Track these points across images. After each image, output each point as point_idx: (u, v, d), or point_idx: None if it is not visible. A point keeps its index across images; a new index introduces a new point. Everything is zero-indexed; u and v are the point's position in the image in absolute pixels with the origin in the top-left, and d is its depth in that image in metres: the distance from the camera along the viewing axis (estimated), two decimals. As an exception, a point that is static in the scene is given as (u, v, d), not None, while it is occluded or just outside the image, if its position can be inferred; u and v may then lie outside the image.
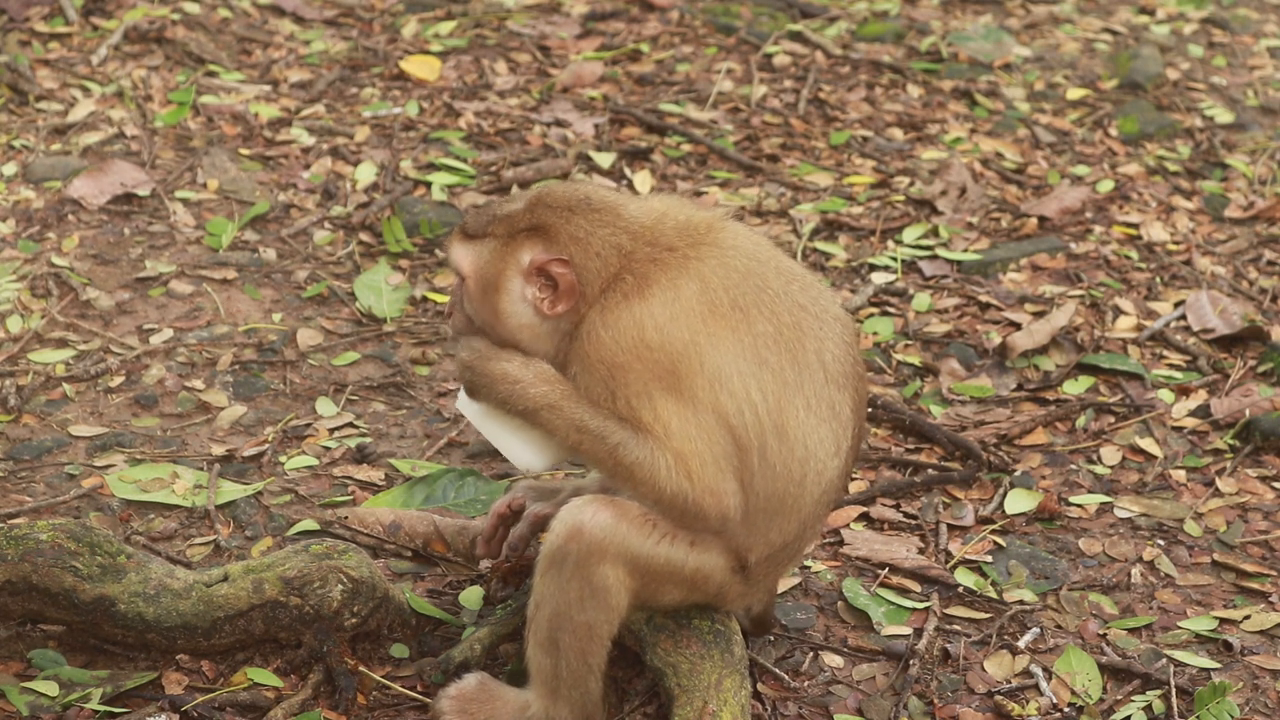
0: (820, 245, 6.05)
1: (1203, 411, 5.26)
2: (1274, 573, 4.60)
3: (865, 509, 4.76)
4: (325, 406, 5.08)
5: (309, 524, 4.53)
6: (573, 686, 3.74)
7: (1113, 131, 6.96)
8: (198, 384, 5.15)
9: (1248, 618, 4.41)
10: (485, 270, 3.78)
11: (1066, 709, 4.09)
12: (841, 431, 3.77)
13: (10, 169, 6.20)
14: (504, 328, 3.78)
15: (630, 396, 3.64)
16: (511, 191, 6.21)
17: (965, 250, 6.04)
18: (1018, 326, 5.61)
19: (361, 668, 4.02)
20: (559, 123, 6.76)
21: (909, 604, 4.40)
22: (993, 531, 4.70)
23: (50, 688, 3.90)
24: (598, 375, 3.67)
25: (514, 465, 3.97)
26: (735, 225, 3.84)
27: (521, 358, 3.75)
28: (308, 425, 4.99)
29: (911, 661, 4.19)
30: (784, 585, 4.41)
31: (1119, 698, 4.14)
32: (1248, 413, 5.18)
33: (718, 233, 3.78)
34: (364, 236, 5.96)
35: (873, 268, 5.94)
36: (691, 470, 3.64)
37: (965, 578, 4.50)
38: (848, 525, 4.69)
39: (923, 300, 5.75)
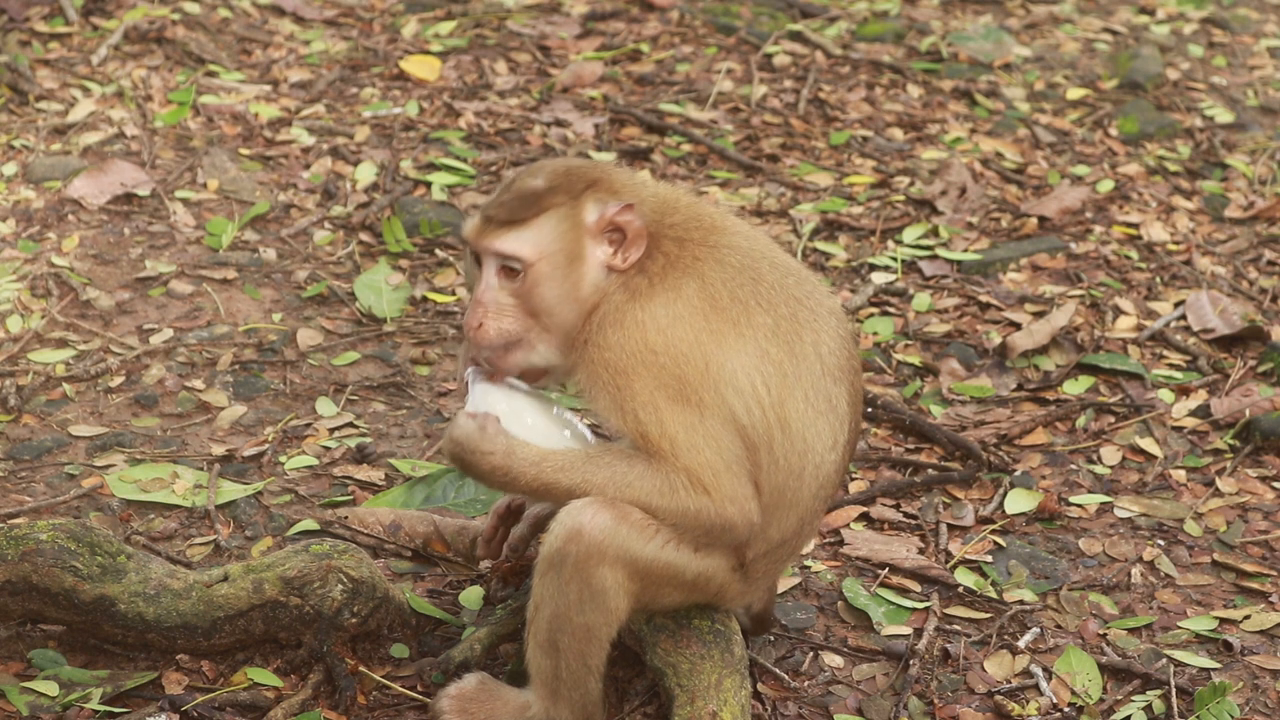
0: (820, 245, 6.05)
1: (1203, 411, 5.26)
2: (1274, 573, 4.60)
3: (865, 509, 4.76)
4: (325, 406, 5.08)
5: (309, 524, 4.53)
6: (573, 688, 3.73)
7: (1113, 131, 6.96)
8: (198, 384, 5.15)
9: (1248, 618, 4.41)
10: (560, 244, 3.66)
11: (1066, 709, 4.09)
12: (838, 425, 3.77)
13: (10, 169, 6.20)
14: (575, 300, 3.68)
15: (637, 409, 3.61)
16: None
17: (965, 250, 6.04)
18: (1018, 326, 5.61)
19: (361, 668, 4.02)
20: (559, 123, 6.76)
21: (909, 604, 4.40)
22: (993, 531, 4.70)
23: (50, 688, 3.90)
24: (602, 384, 3.64)
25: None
26: (733, 221, 3.84)
27: (505, 445, 3.65)
28: (308, 425, 4.99)
29: (911, 661, 4.19)
30: (784, 585, 4.41)
31: (1119, 698, 4.14)
32: (1248, 413, 5.18)
33: (719, 234, 3.77)
34: (364, 236, 5.96)
35: (873, 268, 5.94)
36: (706, 483, 3.63)
37: (965, 578, 4.50)
38: (848, 525, 4.69)
39: (923, 300, 5.75)
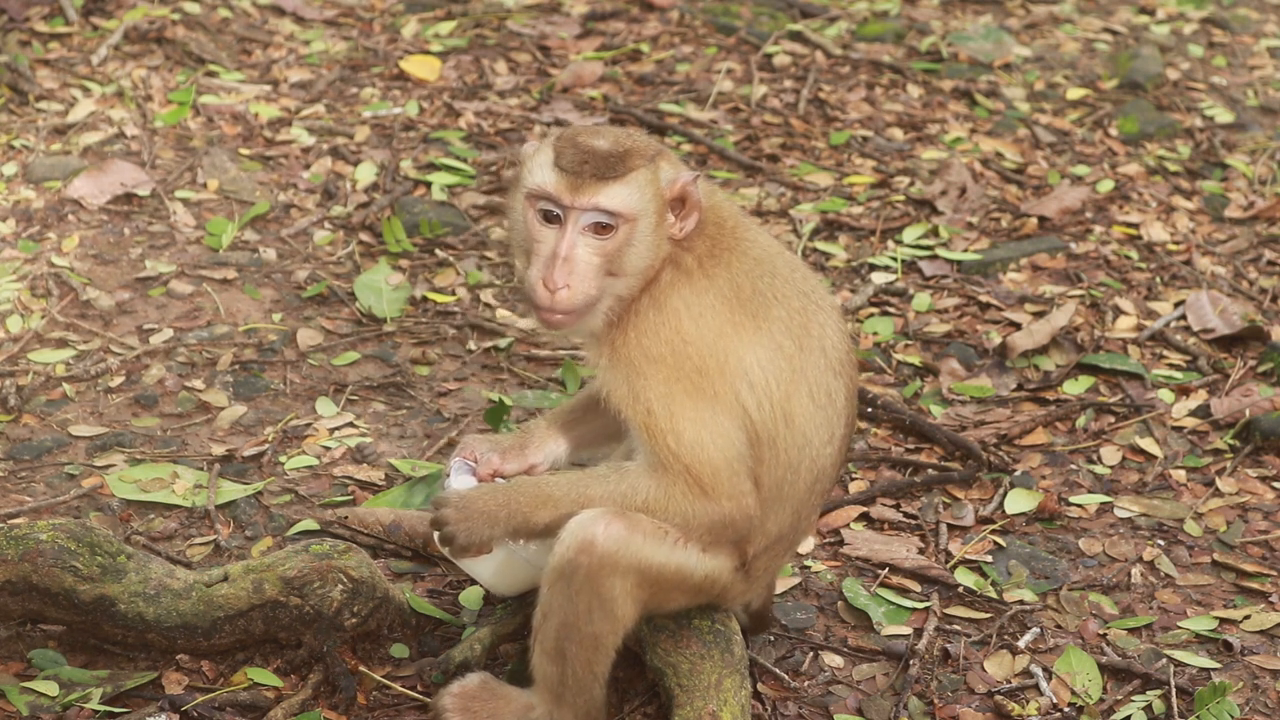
0: (820, 245, 6.05)
1: (1203, 411, 5.26)
2: (1274, 573, 4.60)
3: (865, 509, 4.76)
4: (325, 406, 5.08)
5: (309, 524, 4.53)
6: (578, 694, 3.73)
7: (1113, 131, 6.96)
8: (198, 384, 5.15)
9: (1248, 618, 4.41)
10: (652, 203, 3.63)
11: (1066, 709, 4.09)
12: (836, 419, 3.78)
13: (10, 169, 6.20)
14: (648, 264, 3.64)
15: (652, 399, 3.61)
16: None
17: (965, 250, 6.04)
18: (1018, 326, 5.61)
19: (361, 668, 4.02)
20: (559, 123, 6.76)
21: (909, 604, 4.40)
22: (993, 531, 4.70)
23: (50, 688, 3.90)
24: (626, 367, 3.63)
25: (491, 591, 4.08)
26: (748, 218, 3.87)
27: (489, 488, 3.70)
28: (308, 425, 4.99)
29: (911, 661, 4.19)
30: (784, 585, 4.41)
31: (1119, 698, 4.14)
32: (1248, 413, 5.18)
33: (742, 228, 3.80)
34: (364, 236, 5.96)
35: (873, 268, 5.94)
36: (705, 483, 3.63)
37: (965, 578, 4.50)
38: (848, 525, 4.69)
39: (923, 300, 5.75)
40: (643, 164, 3.63)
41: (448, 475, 3.92)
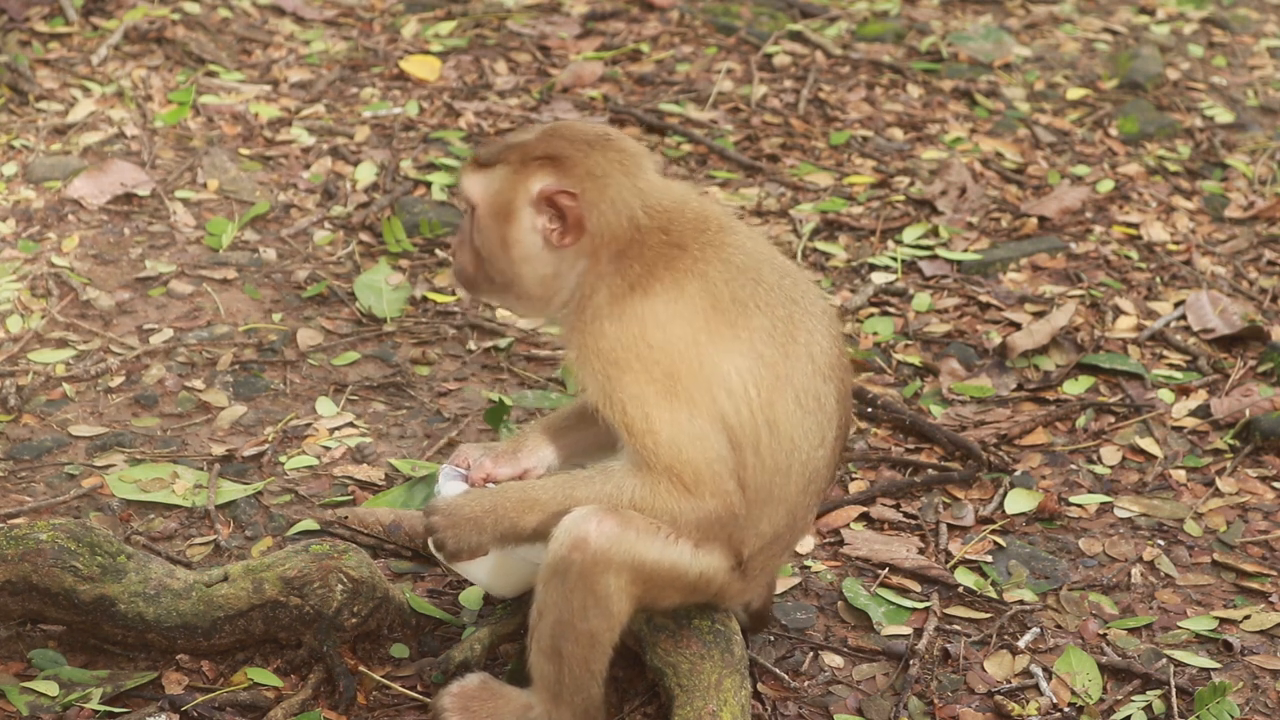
0: (820, 245, 6.05)
1: (1203, 411, 5.26)
2: (1274, 573, 4.60)
3: (865, 509, 4.76)
4: (325, 406, 5.08)
5: (309, 524, 4.53)
6: (575, 692, 3.74)
7: (1113, 131, 6.96)
8: (198, 384, 5.15)
9: (1248, 618, 4.41)
10: (496, 198, 3.74)
11: (1066, 709, 4.09)
12: (826, 422, 3.78)
13: (10, 169, 6.20)
14: (510, 259, 3.75)
15: (625, 401, 3.63)
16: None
17: (965, 250, 6.04)
18: (1018, 326, 5.61)
19: (361, 668, 4.02)
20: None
21: (909, 604, 4.40)
22: (993, 531, 4.70)
23: (50, 688, 3.90)
24: (593, 372, 3.66)
25: (490, 593, 4.10)
26: (738, 222, 3.86)
27: (477, 493, 3.75)
28: (308, 425, 5.00)
29: (911, 661, 4.19)
30: (784, 585, 4.41)
31: (1119, 698, 4.14)
32: (1248, 413, 5.18)
33: (727, 234, 3.78)
34: (364, 236, 5.96)
35: (873, 268, 5.94)
36: (687, 481, 3.65)
37: (965, 578, 4.50)
38: (848, 525, 4.69)
39: (923, 300, 5.75)
40: (511, 161, 3.74)
41: (439, 483, 3.94)
